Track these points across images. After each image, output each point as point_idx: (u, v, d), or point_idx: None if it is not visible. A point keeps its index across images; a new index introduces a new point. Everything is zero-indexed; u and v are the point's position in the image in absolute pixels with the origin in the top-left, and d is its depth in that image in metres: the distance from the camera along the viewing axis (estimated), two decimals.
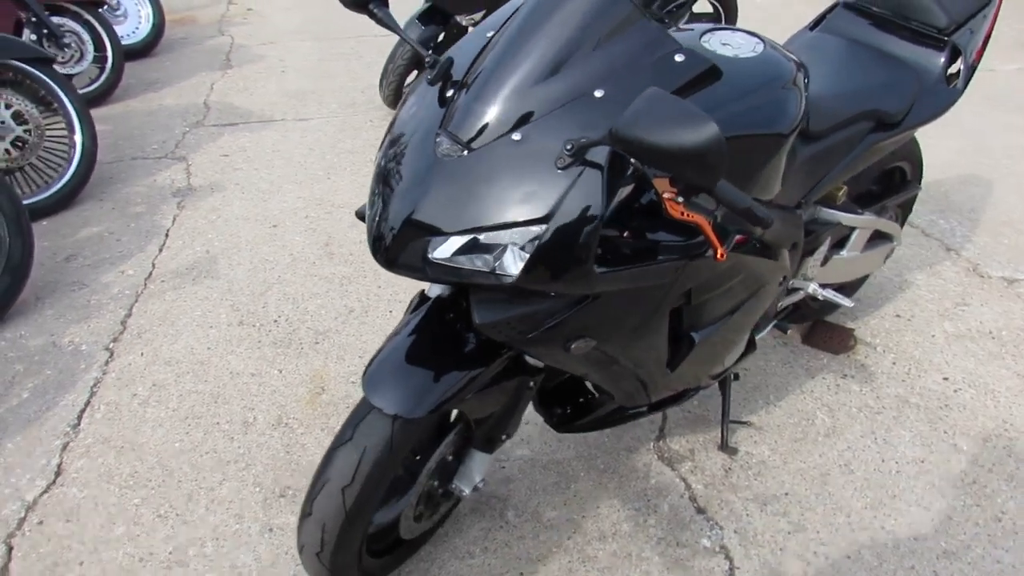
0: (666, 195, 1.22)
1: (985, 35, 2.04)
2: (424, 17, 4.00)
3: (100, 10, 4.63)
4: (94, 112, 4.26)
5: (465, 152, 1.20)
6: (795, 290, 2.04)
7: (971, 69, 1.98)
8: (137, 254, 2.98)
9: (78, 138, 3.32)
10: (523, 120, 1.18)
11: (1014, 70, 4.89)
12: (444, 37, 4.09)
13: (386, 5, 1.39)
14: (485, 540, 1.81)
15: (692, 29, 1.57)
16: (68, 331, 2.54)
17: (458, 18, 3.99)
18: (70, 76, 4.38)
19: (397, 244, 1.21)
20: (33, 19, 4.11)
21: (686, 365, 1.60)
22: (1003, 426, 2.12)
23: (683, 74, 1.23)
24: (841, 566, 1.74)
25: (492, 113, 1.20)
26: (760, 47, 1.53)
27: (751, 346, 1.93)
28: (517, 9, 1.31)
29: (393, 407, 1.30)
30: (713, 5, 4.58)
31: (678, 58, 1.23)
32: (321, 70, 5.02)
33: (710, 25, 1.61)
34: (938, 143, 3.82)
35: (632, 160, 1.20)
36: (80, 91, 4.34)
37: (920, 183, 2.39)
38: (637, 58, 1.21)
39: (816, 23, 2.13)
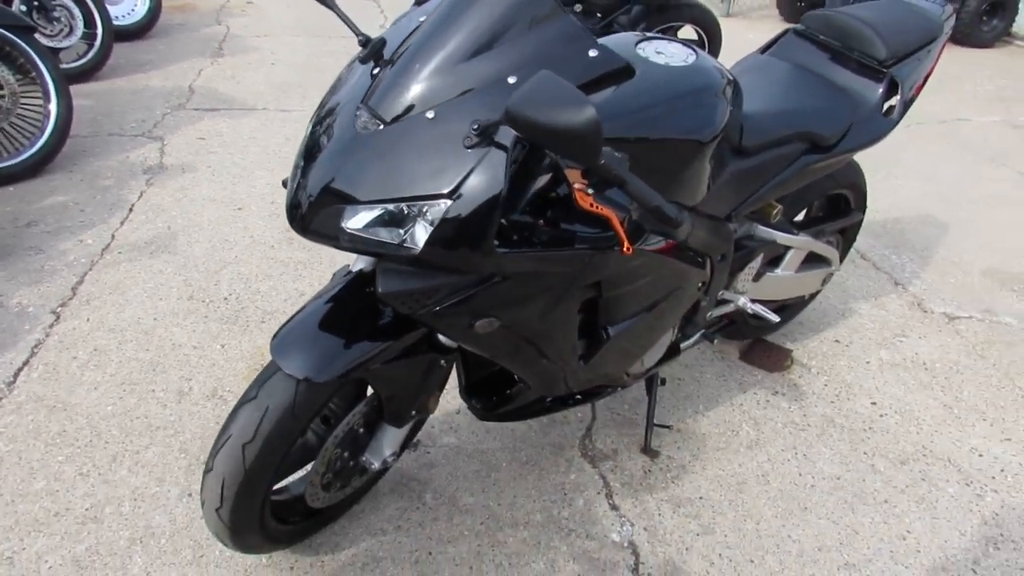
0: (577, 186, 1.28)
1: (927, 72, 2.12)
2: None
3: None
4: (79, 87, 4.32)
5: (381, 126, 1.24)
6: (726, 302, 2.09)
7: (908, 102, 2.05)
8: (99, 225, 3.01)
9: (52, 108, 3.36)
10: (438, 100, 1.23)
11: (991, 122, 4.99)
12: None
13: None
14: (400, 519, 1.84)
15: (631, 35, 1.63)
16: (17, 293, 2.56)
17: None
18: (57, 50, 4.43)
19: (312, 211, 1.26)
20: None
21: (601, 359, 1.64)
22: (922, 451, 2.17)
23: (594, 68, 1.28)
24: (743, 569, 1.78)
25: (410, 91, 1.24)
26: (692, 59, 1.59)
27: (675, 351, 1.98)
28: None
29: (298, 370, 1.33)
30: (697, 33, 4.68)
31: (592, 53, 1.28)
32: (310, 64, 5.09)
33: (652, 34, 1.67)
34: (905, 183, 3.90)
35: (547, 151, 1.25)
36: (67, 65, 4.41)
37: (863, 212, 2.45)
38: (553, 49, 1.26)
39: (767, 47, 2.19)
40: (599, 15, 4.26)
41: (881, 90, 2.01)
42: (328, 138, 1.30)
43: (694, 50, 1.64)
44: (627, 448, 2.11)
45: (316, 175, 1.26)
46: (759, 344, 2.59)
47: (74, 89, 4.30)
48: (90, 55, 4.57)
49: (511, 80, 1.24)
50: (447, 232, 1.20)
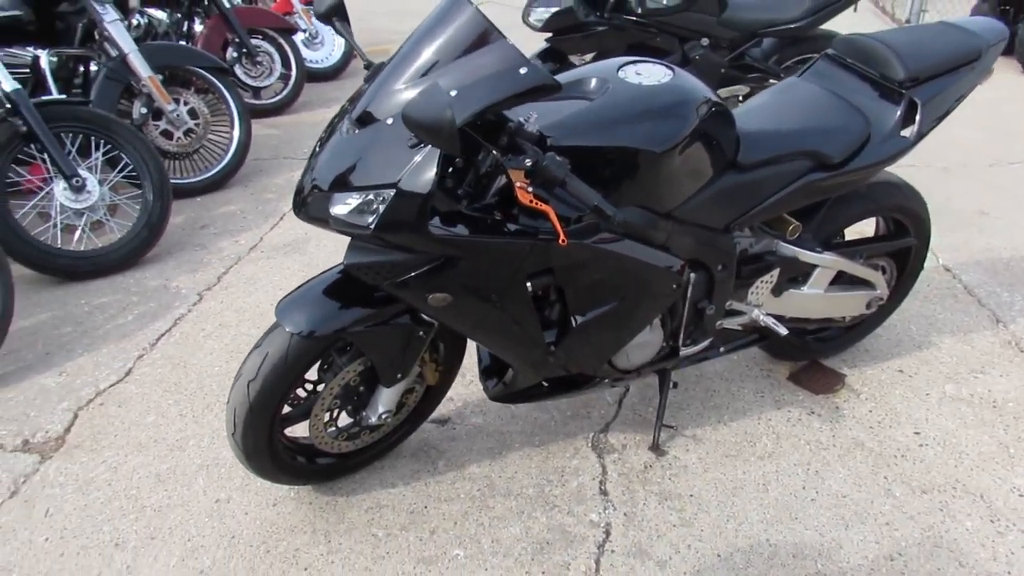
0: (518, 184, 1.51)
1: (959, 93, 2.08)
2: (544, 54, 4.45)
3: (292, 36, 5.52)
4: (271, 120, 5.13)
5: (356, 131, 1.57)
6: (739, 313, 2.17)
7: (928, 124, 2.04)
8: (253, 229, 3.62)
9: (236, 135, 4.08)
10: (396, 109, 1.53)
11: None
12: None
13: (346, 21, 1.80)
14: (410, 478, 2.12)
15: (619, 59, 1.84)
16: (178, 278, 3.19)
17: (572, 58, 4.39)
18: (258, 88, 5.29)
19: (308, 200, 1.60)
20: (236, 40, 5.05)
21: (570, 346, 1.83)
22: (953, 484, 2.09)
23: (524, 82, 1.50)
24: (706, 561, 1.86)
25: (378, 102, 1.56)
26: (667, 79, 1.77)
27: (674, 353, 2.10)
28: None
29: (291, 327, 1.68)
30: None
31: (522, 71, 1.51)
32: None
33: (638, 58, 1.87)
34: None
35: (491, 148, 1.50)
36: (265, 101, 5.25)
37: (918, 239, 2.39)
38: (488, 67, 1.51)
39: (804, 71, 2.27)
40: (727, 48, 4.35)
41: (899, 111, 2.02)
42: (325, 142, 1.64)
43: (673, 71, 1.81)
44: (636, 445, 2.24)
45: (313, 171, 1.61)
46: (813, 366, 2.59)
47: (267, 121, 5.14)
48: (284, 92, 5.40)
49: (452, 93, 1.51)
50: (392, 215, 1.49)
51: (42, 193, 3.19)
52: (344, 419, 1.98)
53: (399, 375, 1.85)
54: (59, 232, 3.18)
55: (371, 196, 1.52)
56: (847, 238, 2.45)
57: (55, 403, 2.42)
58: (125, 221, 3.33)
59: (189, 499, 2.05)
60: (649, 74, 1.79)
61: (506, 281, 1.65)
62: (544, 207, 1.51)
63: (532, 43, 4.18)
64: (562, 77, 1.83)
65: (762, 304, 2.18)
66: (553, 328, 1.85)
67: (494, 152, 1.52)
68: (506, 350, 1.83)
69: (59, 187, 3.15)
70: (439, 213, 1.54)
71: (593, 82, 1.78)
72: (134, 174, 3.34)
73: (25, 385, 2.52)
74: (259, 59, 5.26)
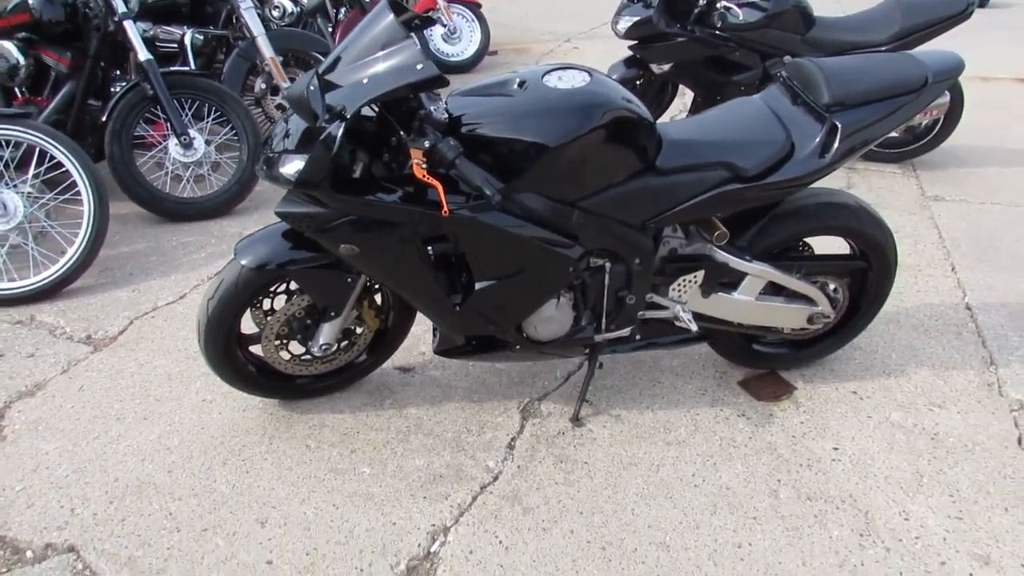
0: (415, 161, 1.85)
1: (894, 123, 2.15)
2: (628, 61, 4.69)
3: (424, 30, 6.05)
4: None
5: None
6: (660, 307, 2.35)
7: (848, 149, 2.11)
8: None
9: None
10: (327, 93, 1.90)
11: None
12: (642, 80, 4.72)
13: (328, 18, 2.19)
14: (357, 409, 2.50)
15: (547, 65, 2.12)
16: (252, 228, 3.76)
17: (652, 66, 4.58)
18: None
19: (264, 163, 2.01)
20: None
21: (472, 307, 2.13)
22: (843, 497, 2.16)
23: (417, 76, 1.81)
24: (568, 516, 2.09)
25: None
26: (581, 85, 2.02)
27: (592, 333, 2.31)
28: None
29: (241, 259, 2.11)
30: None
31: (418, 67, 1.82)
32: None
33: (568, 65, 2.13)
34: None
35: (399, 129, 1.84)
36: None
37: (878, 266, 2.43)
38: (393, 62, 1.84)
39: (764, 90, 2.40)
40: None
41: (821, 133, 2.12)
42: (286, 121, 2.05)
43: (593, 79, 2.05)
44: (560, 415, 2.48)
45: (271, 141, 2.02)
46: (767, 375, 2.69)
47: None
48: None
49: (364, 81, 1.86)
50: (305, 175, 1.86)
51: (160, 147, 3.87)
52: (298, 348, 2.39)
53: (332, 313, 2.23)
54: (169, 180, 3.85)
55: (300, 160, 1.91)
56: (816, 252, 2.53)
57: (120, 311, 3.03)
58: (223, 177, 3.95)
59: (183, 396, 2.55)
60: (569, 80, 2.05)
61: (402, 241, 1.98)
62: (433, 182, 1.82)
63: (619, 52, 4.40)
64: (498, 77, 2.13)
65: (686, 302, 2.35)
66: (461, 290, 2.15)
67: (401, 132, 1.86)
68: (418, 303, 2.15)
69: (172, 143, 3.81)
70: (356, 179, 1.90)
71: (517, 83, 2.06)
72: (236, 138, 3.95)
73: (105, 294, 3.16)
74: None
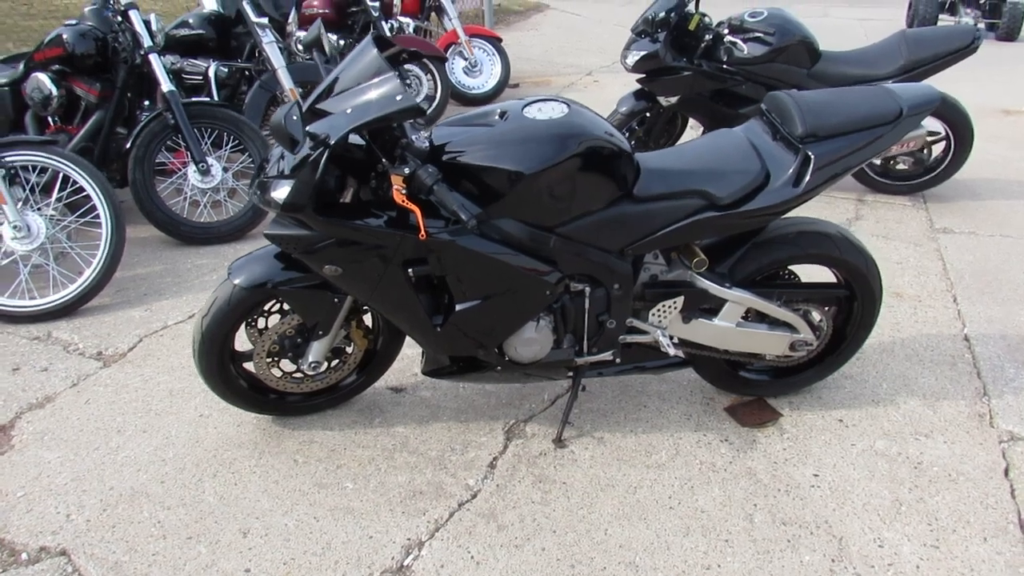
0: (396, 187, 1.94)
1: (867, 155, 2.19)
2: (637, 94, 4.78)
3: (444, 64, 6.24)
4: None
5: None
6: (642, 331, 2.39)
7: (821, 179, 2.16)
8: None
9: None
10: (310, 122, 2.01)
11: None
12: (650, 112, 4.80)
13: (323, 52, 2.31)
14: (346, 426, 2.57)
15: (530, 98, 2.21)
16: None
17: (660, 99, 4.66)
18: None
19: (258, 188, 2.12)
20: None
21: (453, 328, 2.20)
22: (818, 523, 2.17)
23: (397, 106, 1.90)
24: (542, 533, 2.13)
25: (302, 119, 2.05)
26: (559, 116, 2.10)
27: (573, 356, 2.37)
28: None
29: (233, 278, 2.21)
30: (944, 129, 4.46)
31: (398, 98, 1.92)
32: None
33: (548, 97, 2.21)
34: None
35: (381, 157, 1.94)
36: None
37: (862, 294, 2.46)
38: (375, 94, 1.94)
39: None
40: None
41: (794, 163, 2.17)
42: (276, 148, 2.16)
43: (571, 110, 2.13)
44: (544, 436, 2.53)
45: (265, 168, 2.13)
46: (754, 402, 2.72)
47: None
48: (428, 111, 6.11)
49: (348, 111, 1.96)
50: (291, 199, 1.96)
51: (179, 173, 4.04)
52: (289, 366, 2.48)
53: (320, 332, 2.32)
54: (187, 206, 4.01)
55: (288, 185, 2.01)
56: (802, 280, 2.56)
57: (131, 329, 3.17)
58: (238, 203, 4.11)
59: (183, 411, 2.65)
60: (548, 111, 2.13)
61: (384, 263, 2.07)
62: (412, 206, 1.91)
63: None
64: (481, 109, 2.22)
65: (667, 327, 2.39)
66: (443, 311, 2.22)
67: (383, 160, 1.96)
68: (400, 323, 2.23)
69: (191, 170, 3.97)
70: (340, 203, 2.00)
71: (498, 114, 2.15)
72: (252, 165, 4.11)
73: (119, 312, 3.29)
74: (408, 81, 6.01)
